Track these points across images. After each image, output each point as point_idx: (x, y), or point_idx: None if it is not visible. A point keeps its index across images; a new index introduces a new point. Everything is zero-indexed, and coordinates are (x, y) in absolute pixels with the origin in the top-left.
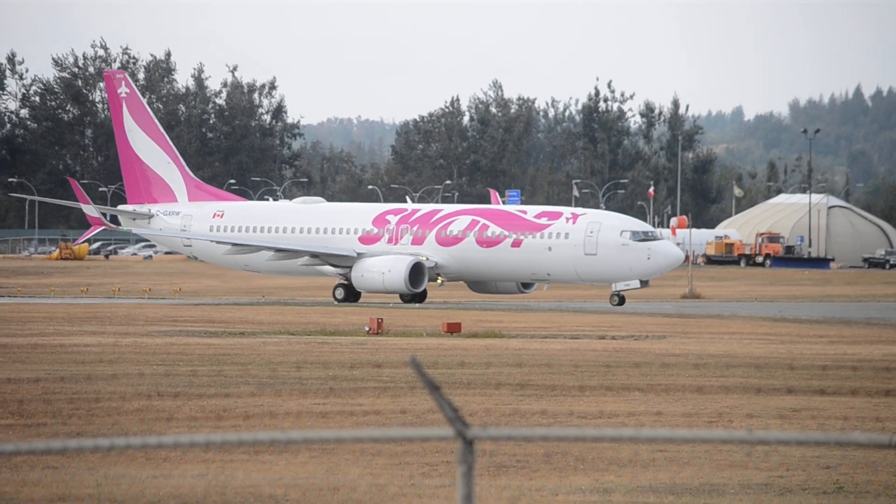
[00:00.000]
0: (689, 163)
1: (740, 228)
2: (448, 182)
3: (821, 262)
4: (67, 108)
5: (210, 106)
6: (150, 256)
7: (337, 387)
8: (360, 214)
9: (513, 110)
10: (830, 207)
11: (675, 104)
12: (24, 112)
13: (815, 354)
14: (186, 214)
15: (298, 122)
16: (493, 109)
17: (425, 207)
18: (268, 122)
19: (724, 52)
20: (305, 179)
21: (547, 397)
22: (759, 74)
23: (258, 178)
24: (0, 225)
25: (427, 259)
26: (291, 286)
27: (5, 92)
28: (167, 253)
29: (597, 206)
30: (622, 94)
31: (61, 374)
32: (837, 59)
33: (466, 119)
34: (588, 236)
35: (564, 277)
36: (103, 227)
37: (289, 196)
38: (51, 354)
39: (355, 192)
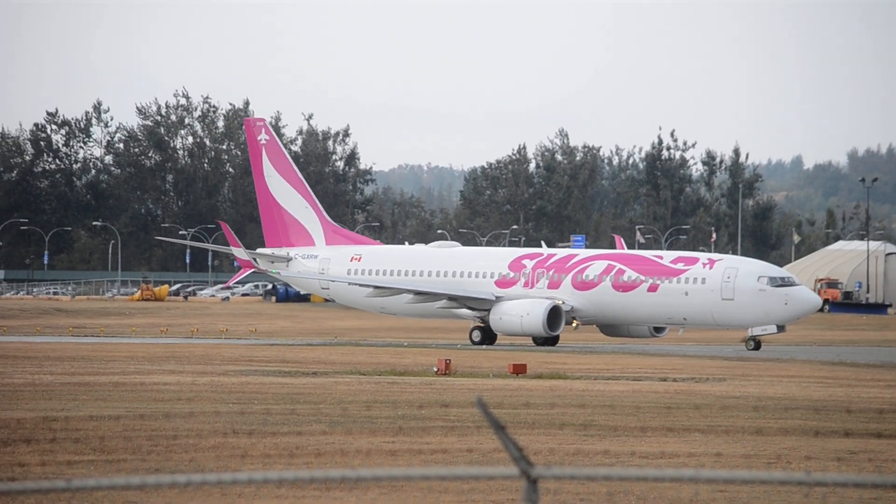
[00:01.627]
0: (750, 210)
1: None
2: (515, 227)
3: (878, 308)
4: (150, 155)
5: (286, 152)
6: (228, 298)
7: (406, 426)
8: (496, 259)
9: (578, 157)
10: (888, 254)
11: (736, 153)
12: (108, 158)
13: (872, 398)
14: (324, 258)
15: (371, 168)
16: (559, 157)
17: (561, 252)
18: (341, 168)
19: (785, 101)
20: (377, 224)
21: (609, 438)
22: (818, 124)
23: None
24: (84, 267)
25: (563, 303)
26: (410, 327)
27: (91, 139)
28: (244, 295)
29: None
30: (684, 143)
31: (141, 412)
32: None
33: (533, 166)
34: (725, 282)
35: (701, 322)
36: (253, 270)
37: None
38: (131, 392)
39: (424, 236)
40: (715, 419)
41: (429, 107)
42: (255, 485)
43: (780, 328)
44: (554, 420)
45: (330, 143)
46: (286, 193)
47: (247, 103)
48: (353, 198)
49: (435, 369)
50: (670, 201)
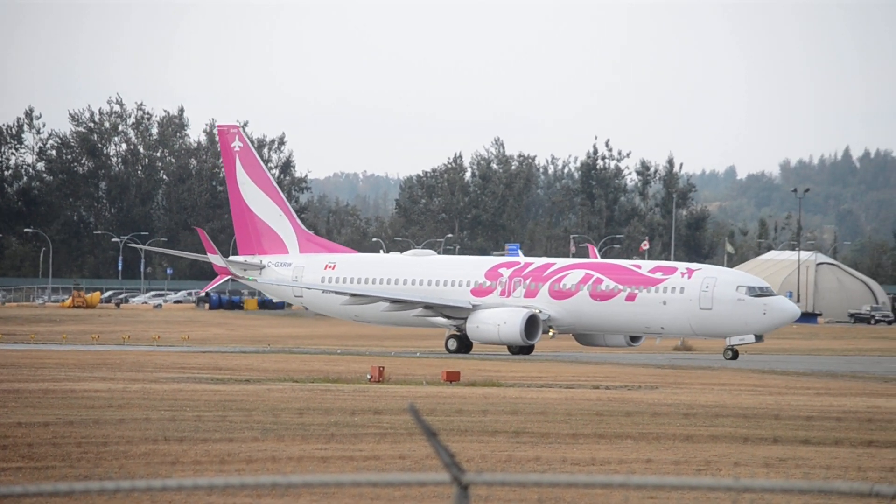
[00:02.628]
0: (683, 219)
1: None
2: (450, 236)
3: (809, 317)
4: (83, 162)
5: (221, 160)
6: (160, 305)
7: (338, 433)
8: (472, 267)
9: (514, 167)
10: (819, 264)
11: (670, 163)
12: (40, 165)
13: (801, 406)
14: (298, 266)
15: (306, 176)
16: (495, 166)
17: (538, 261)
18: (276, 176)
19: (718, 113)
20: (312, 232)
21: (541, 444)
22: (751, 135)
23: None
24: (15, 274)
25: (540, 312)
26: (377, 335)
27: (23, 146)
28: (176, 302)
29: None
30: (619, 153)
31: (70, 419)
32: (827, 122)
33: (468, 175)
34: (704, 291)
35: (679, 331)
36: (228, 277)
37: None
38: (61, 399)
39: (359, 244)
40: (646, 426)
41: (365, 115)
42: (186, 491)
43: (759, 338)
44: (486, 427)
45: (265, 150)
46: (260, 201)
47: (181, 110)
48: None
49: (368, 376)
50: (605, 210)
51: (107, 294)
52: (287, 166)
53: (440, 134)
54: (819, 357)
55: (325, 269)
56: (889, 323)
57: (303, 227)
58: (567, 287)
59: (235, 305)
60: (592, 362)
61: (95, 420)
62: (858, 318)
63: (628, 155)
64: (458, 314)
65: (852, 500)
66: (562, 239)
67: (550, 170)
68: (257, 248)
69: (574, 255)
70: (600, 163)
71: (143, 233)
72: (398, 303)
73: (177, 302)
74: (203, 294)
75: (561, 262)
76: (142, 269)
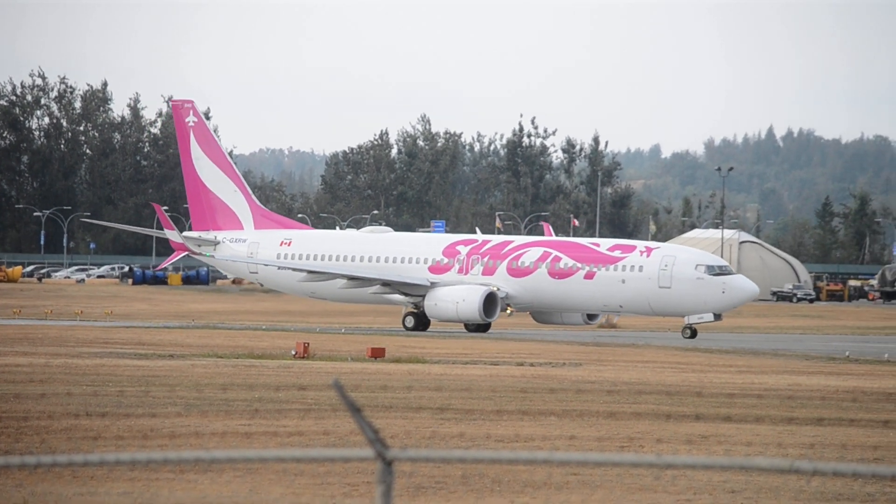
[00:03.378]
0: (608, 197)
1: None
2: (375, 212)
3: None
4: (4, 135)
5: (145, 135)
6: (83, 280)
7: (262, 408)
8: (430, 244)
9: (439, 144)
10: (742, 242)
11: (596, 141)
12: None
13: (723, 383)
14: (253, 242)
15: (231, 152)
16: (421, 143)
17: (496, 239)
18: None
19: (643, 91)
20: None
21: (465, 421)
22: (676, 113)
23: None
24: None
25: (498, 289)
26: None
27: None
28: (99, 277)
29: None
30: (545, 130)
31: None
32: (751, 101)
33: (395, 152)
34: (663, 270)
35: (637, 310)
36: (186, 253)
37: None
38: None
39: None
40: (570, 403)
41: (291, 90)
42: (108, 466)
43: (717, 317)
44: (411, 403)
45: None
46: (214, 176)
47: (105, 84)
48: None
49: (293, 352)
50: (530, 188)
51: (29, 268)
52: None
53: (366, 110)
54: (741, 335)
55: (281, 245)
56: (810, 301)
57: (258, 202)
58: (525, 265)
59: (159, 281)
60: (546, 339)
61: (16, 394)
62: (781, 297)
63: (554, 133)
64: (415, 291)
65: (772, 476)
66: (487, 216)
67: (476, 147)
68: (211, 223)
69: (500, 232)
70: (526, 140)
71: (65, 207)
72: (355, 279)
73: (100, 277)
74: (126, 269)
75: (519, 239)
76: (64, 244)
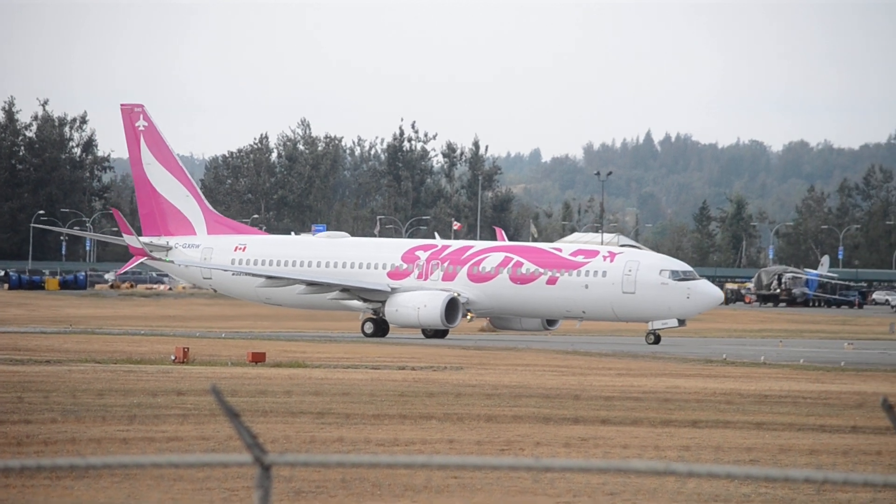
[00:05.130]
0: (489, 201)
1: None
2: (256, 216)
3: None
4: None
5: (20, 138)
6: None
7: (140, 414)
8: (388, 250)
9: (320, 148)
10: (621, 246)
11: (476, 145)
12: None
13: (602, 386)
14: (207, 247)
15: (109, 155)
16: (301, 147)
17: (455, 244)
18: (78, 155)
19: (523, 95)
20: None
21: (345, 425)
22: (555, 119)
23: (67, 210)
24: None
25: (459, 295)
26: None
27: None
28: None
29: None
30: (425, 135)
31: None
32: (629, 106)
33: (274, 155)
34: (626, 275)
35: (601, 315)
36: (146, 258)
37: (97, 228)
38: None
39: None
40: (450, 407)
41: (168, 94)
42: None
43: (682, 322)
44: (290, 408)
45: (66, 129)
46: (165, 181)
47: None
48: (90, 185)
49: (172, 357)
50: (411, 192)
51: None
52: (89, 145)
53: (245, 114)
54: (621, 338)
55: (235, 250)
56: None
57: (210, 207)
58: (486, 270)
59: (36, 285)
60: (403, 344)
61: None
62: None
63: (434, 137)
64: (376, 297)
65: (650, 478)
66: (368, 220)
67: (357, 151)
68: (163, 229)
69: (378, 236)
70: (407, 145)
71: None
72: (315, 285)
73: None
74: (2, 274)
75: (479, 244)
76: None
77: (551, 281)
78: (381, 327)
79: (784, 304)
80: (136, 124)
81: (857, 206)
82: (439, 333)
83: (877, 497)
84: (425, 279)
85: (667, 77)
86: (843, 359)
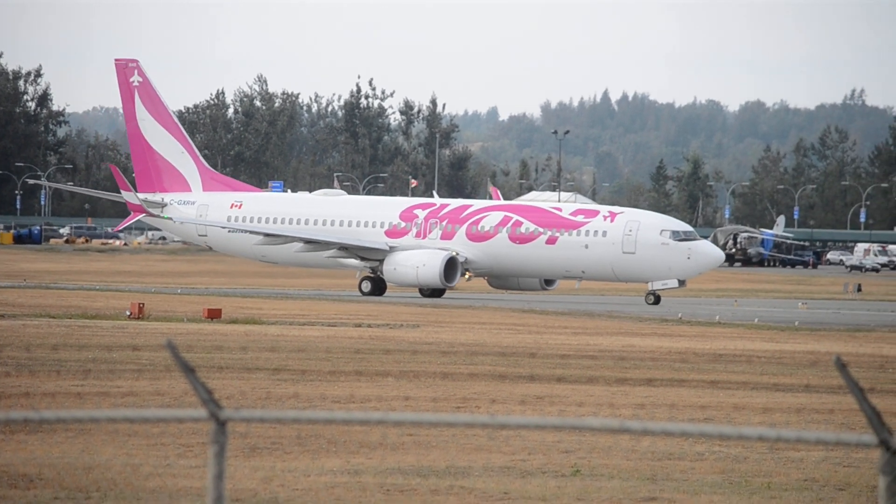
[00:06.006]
0: (446, 159)
1: None
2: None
3: None
4: None
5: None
6: None
7: (95, 369)
8: (386, 208)
9: (277, 104)
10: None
11: (434, 103)
12: None
13: (558, 344)
14: (202, 204)
15: (64, 110)
16: (258, 103)
17: (454, 203)
18: (33, 109)
19: (481, 54)
20: (70, 166)
21: (301, 382)
22: (513, 77)
23: (22, 164)
24: None
25: (458, 254)
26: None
27: None
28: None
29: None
30: (383, 92)
31: None
32: (587, 65)
33: (231, 112)
34: (627, 235)
35: (600, 276)
36: (144, 215)
37: (52, 182)
38: None
39: None
40: (406, 364)
41: (125, 49)
42: None
43: (682, 283)
44: (246, 364)
45: (21, 82)
46: (160, 137)
47: None
48: (45, 139)
49: (128, 313)
50: (368, 149)
51: None
52: (44, 99)
53: (202, 70)
54: (578, 296)
55: (231, 207)
56: None
57: (206, 164)
58: (485, 229)
59: None
60: (350, 301)
61: None
62: None
63: (392, 94)
64: (374, 256)
65: (604, 436)
66: (325, 177)
67: (314, 108)
68: (158, 185)
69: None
70: (364, 102)
71: None
72: (312, 243)
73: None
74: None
75: (478, 203)
76: None
77: (551, 240)
78: (378, 286)
79: (739, 263)
80: (131, 80)
81: (813, 167)
82: (436, 293)
83: (829, 455)
84: (423, 238)
85: (624, 36)
86: (798, 318)
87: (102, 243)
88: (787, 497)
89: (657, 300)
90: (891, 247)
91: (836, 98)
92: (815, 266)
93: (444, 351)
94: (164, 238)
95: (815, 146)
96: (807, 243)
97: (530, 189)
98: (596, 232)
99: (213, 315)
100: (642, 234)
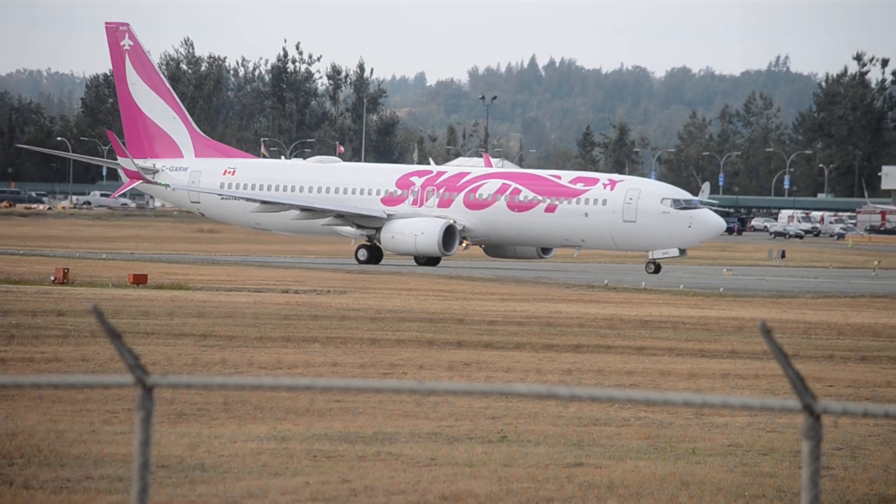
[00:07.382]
0: (374, 124)
1: None
2: None
3: None
4: None
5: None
6: None
7: (19, 334)
8: (382, 175)
9: (203, 68)
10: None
11: (361, 68)
12: None
13: (485, 311)
14: (195, 170)
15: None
16: (184, 66)
17: (451, 170)
18: None
19: (408, 18)
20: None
21: (228, 348)
22: (440, 42)
23: None
24: None
25: (455, 222)
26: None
27: None
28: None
29: None
30: (310, 57)
31: None
32: (514, 30)
33: None
34: (627, 203)
35: (600, 244)
36: (141, 181)
37: None
38: None
39: (43, 142)
40: (334, 330)
41: (50, 11)
42: None
43: (682, 252)
44: (173, 330)
45: None
46: (151, 102)
47: None
48: None
49: (52, 278)
50: (296, 114)
51: None
52: None
53: None
54: (504, 262)
55: (225, 174)
56: None
57: (198, 130)
58: (483, 197)
59: None
60: (283, 267)
61: None
62: None
63: (319, 59)
64: (371, 224)
65: (532, 402)
66: (252, 142)
67: (241, 72)
68: (149, 151)
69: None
70: (291, 66)
71: None
72: (309, 211)
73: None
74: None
75: (476, 171)
76: None
77: (550, 209)
78: (374, 254)
79: None
80: (122, 43)
81: (738, 133)
82: (432, 261)
83: (753, 420)
84: (420, 206)
85: (552, 2)
86: (722, 285)
87: (26, 207)
88: (711, 462)
89: (657, 269)
90: (814, 213)
91: (762, 65)
92: (739, 233)
93: (371, 317)
94: (88, 203)
95: (741, 113)
96: (731, 210)
97: (458, 155)
98: (596, 200)
99: (139, 280)
100: (643, 202)
